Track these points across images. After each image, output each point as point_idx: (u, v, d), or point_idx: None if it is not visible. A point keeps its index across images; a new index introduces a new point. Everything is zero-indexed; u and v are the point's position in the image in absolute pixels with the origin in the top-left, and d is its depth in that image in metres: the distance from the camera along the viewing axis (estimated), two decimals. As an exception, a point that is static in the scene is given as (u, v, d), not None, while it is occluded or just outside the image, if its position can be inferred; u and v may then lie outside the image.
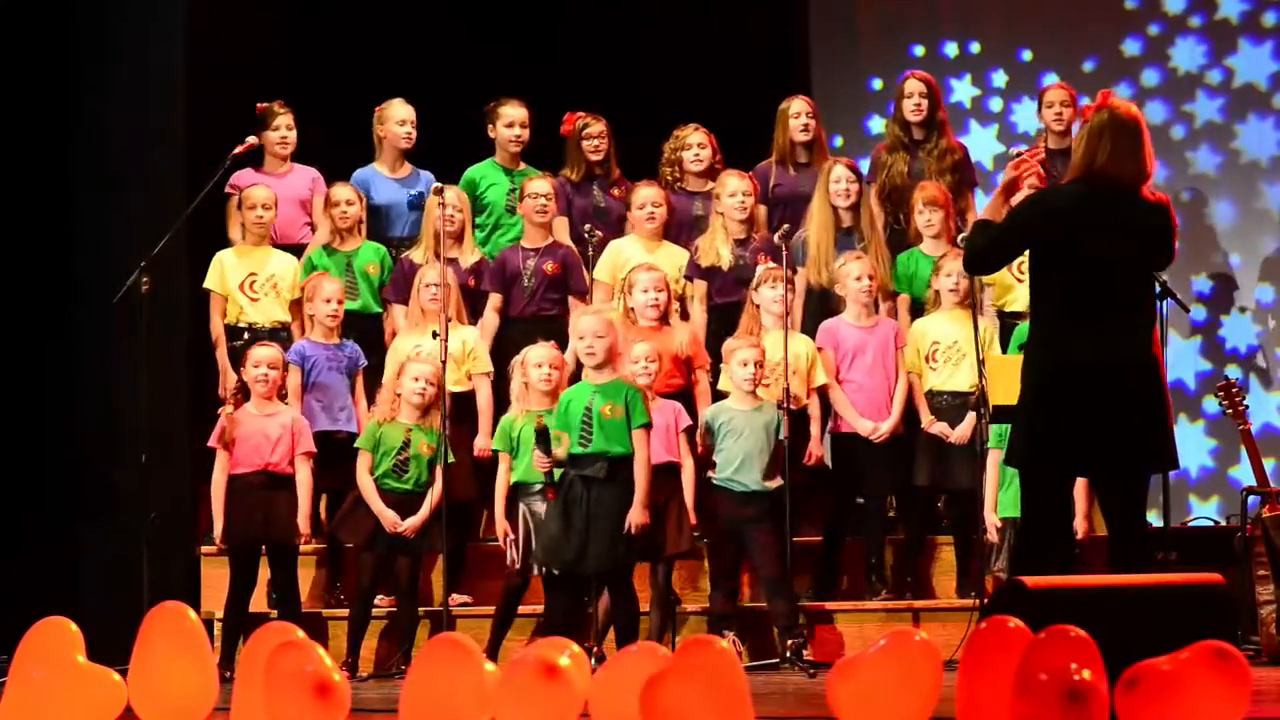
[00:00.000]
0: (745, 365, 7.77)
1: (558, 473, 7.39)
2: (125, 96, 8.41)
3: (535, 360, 7.72)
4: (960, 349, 8.11)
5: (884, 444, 8.13)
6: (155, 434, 7.86)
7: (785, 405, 7.71)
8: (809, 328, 8.33)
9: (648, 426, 7.41)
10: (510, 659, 5.34)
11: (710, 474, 7.81)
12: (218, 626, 7.78)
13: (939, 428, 8.12)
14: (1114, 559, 6.17)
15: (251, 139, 8.66)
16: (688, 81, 10.14)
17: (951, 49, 10.86)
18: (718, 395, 8.10)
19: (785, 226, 8.37)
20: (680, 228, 8.80)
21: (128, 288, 7.86)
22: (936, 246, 8.44)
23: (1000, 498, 7.84)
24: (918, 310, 8.48)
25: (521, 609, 7.77)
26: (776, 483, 7.74)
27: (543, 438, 7.34)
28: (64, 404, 8.31)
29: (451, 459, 7.71)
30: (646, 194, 8.59)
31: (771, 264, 8.21)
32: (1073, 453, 6.06)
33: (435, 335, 7.71)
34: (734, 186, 8.53)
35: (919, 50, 10.85)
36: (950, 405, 8.14)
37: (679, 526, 7.66)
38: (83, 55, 8.42)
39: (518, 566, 7.61)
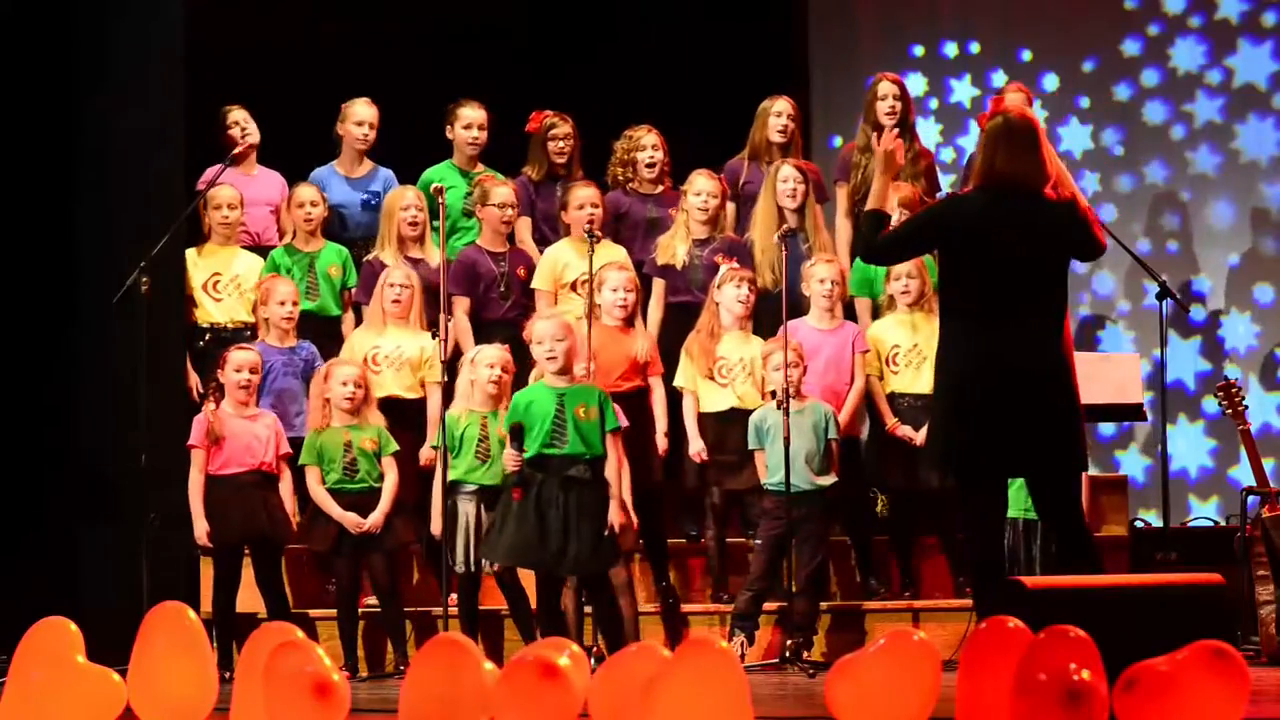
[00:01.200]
0: (779, 370, 7.73)
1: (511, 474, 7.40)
2: (125, 97, 8.40)
3: (487, 360, 7.72)
4: (921, 351, 8.09)
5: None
6: (155, 434, 7.85)
7: (785, 406, 7.71)
8: (755, 333, 8.24)
9: (619, 430, 7.41)
10: (510, 659, 5.34)
11: (763, 480, 7.79)
12: (217, 627, 7.78)
13: (904, 431, 8.10)
14: (1059, 560, 6.22)
15: (251, 139, 8.65)
16: (688, 81, 10.14)
17: (951, 49, 10.86)
18: (673, 395, 8.06)
19: (785, 226, 8.36)
20: (635, 229, 8.75)
21: (128, 288, 7.86)
22: None
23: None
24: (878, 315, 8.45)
25: (483, 606, 7.78)
26: (830, 479, 7.74)
27: (518, 436, 7.34)
28: (64, 404, 8.30)
29: (396, 448, 7.78)
30: (585, 194, 8.48)
31: (735, 264, 8.19)
32: (979, 457, 6.09)
33: (435, 335, 7.71)
34: (701, 186, 8.49)
35: (919, 50, 10.86)
36: (913, 407, 8.12)
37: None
38: (83, 55, 8.41)
39: (461, 570, 7.60)
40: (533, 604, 7.62)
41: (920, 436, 8.00)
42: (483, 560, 7.57)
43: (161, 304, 8.00)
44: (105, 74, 8.41)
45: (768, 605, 7.80)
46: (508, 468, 7.38)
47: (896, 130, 6.41)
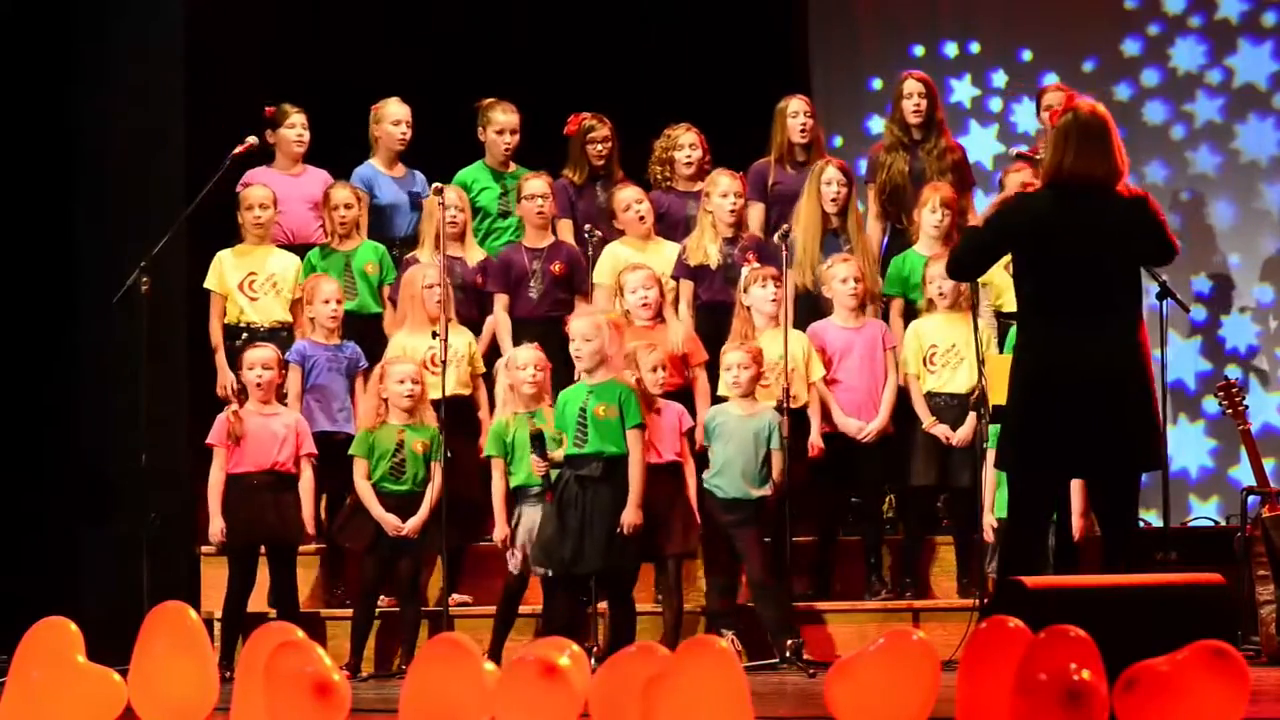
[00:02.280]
0: (730, 369, 7.76)
1: (554, 474, 7.42)
2: (125, 97, 8.41)
3: (520, 363, 7.74)
4: (958, 352, 8.10)
5: (873, 444, 8.12)
6: (155, 434, 7.85)
7: (785, 406, 7.70)
8: (799, 328, 8.27)
9: (641, 427, 7.43)
10: (510, 659, 5.34)
11: (703, 475, 7.80)
12: (218, 626, 7.77)
13: (940, 429, 8.11)
14: (1107, 559, 6.19)
15: (251, 139, 8.65)
16: (688, 81, 10.14)
17: (951, 49, 10.86)
18: (716, 395, 8.10)
19: (785, 226, 8.36)
20: (676, 228, 8.78)
21: (128, 288, 7.86)
22: (933, 246, 8.41)
23: (999, 497, 7.83)
24: (912, 314, 8.46)
25: (522, 609, 7.77)
26: (765, 491, 7.72)
27: (537, 441, 7.40)
28: (64, 404, 8.31)
29: (449, 454, 7.70)
30: (628, 195, 8.56)
31: (757, 264, 8.20)
32: (1055, 456, 6.08)
33: (435, 335, 7.72)
34: (725, 185, 8.49)
35: (919, 50, 10.86)
36: (948, 406, 8.13)
37: (684, 527, 7.67)
38: (83, 55, 8.42)
39: (517, 571, 7.62)
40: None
41: (957, 436, 8.01)
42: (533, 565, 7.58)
43: (161, 304, 8.00)
44: (105, 74, 8.42)
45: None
46: (535, 473, 7.45)
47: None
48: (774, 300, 8.04)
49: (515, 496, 7.66)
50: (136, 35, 8.46)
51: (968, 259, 6.33)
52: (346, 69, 9.72)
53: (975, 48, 10.85)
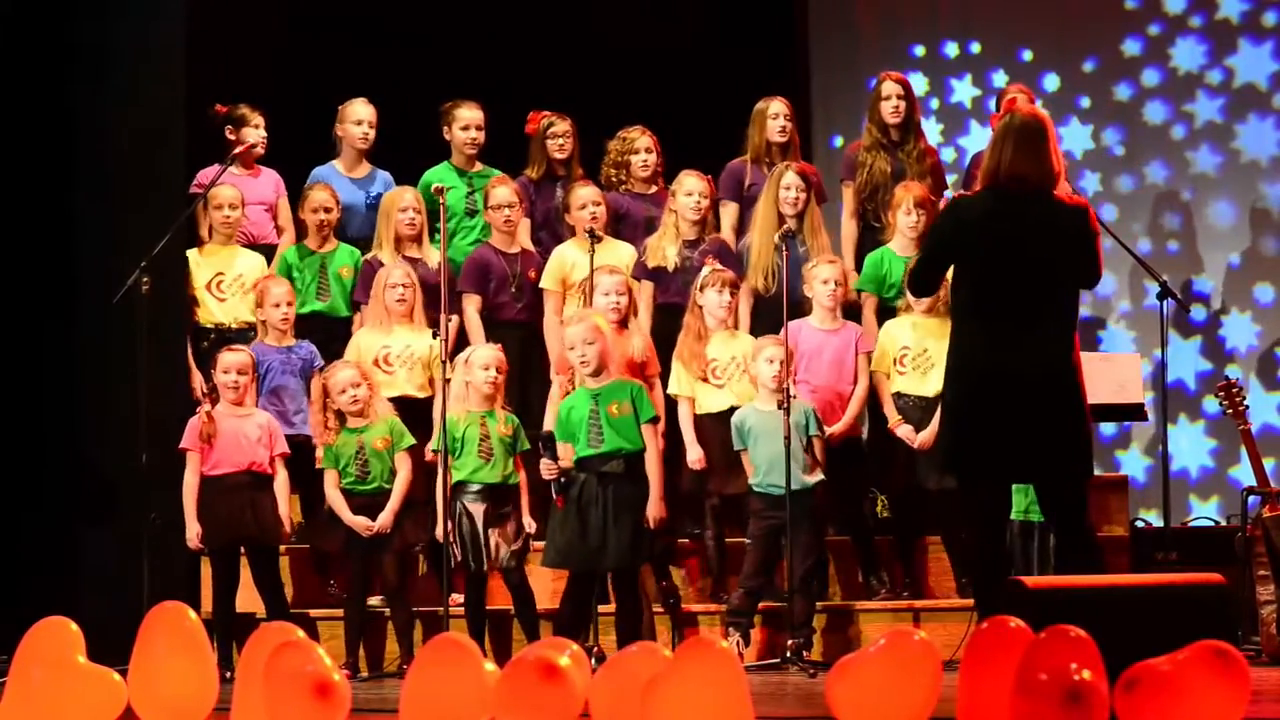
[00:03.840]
0: (771, 363, 7.73)
1: (558, 478, 7.49)
2: (125, 97, 8.41)
3: (481, 362, 7.75)
4: (929, 357, 8.06)
5: (837, 447, 8.08)
6: (155, 434, 7.85)
7: (786, 406, 7.70)
8: (754, 333, 8.21)
9: (656, 420, 7.49)
10: (510, 659, 5.33)
11: (749, 480, 7.77)
12: (217, 626, 7.78)
13: (904, 430, 8.08)
14: (1059, 562, 6.20)
15: (252, 139, 8.65)
16: (687, 81, 10.14)
17: (952, 49, 10.86)
18: (667, 399, 8.05)
19: (786, 226, 8.34)
20: (635, 229, 8.73)
21: (128, 288, 7.86)
22: (909, 247, 8.38)
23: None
24: (888, 313, 8.42)
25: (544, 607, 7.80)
26: (816, 477, 7.72)
27: (549, 444, 7.43)
28: (64, 404, 8.30)
29: (411, 442, 7.78)
30: (586, 193, 8.51)
31: (717, 266, 8.19)
32: (989, 460, 6.08)
33: (435, 335, 7.73)
34: (691, 186, 8.46)
35: (919, 50, 10.86)
36: (915, 408, 8.10)
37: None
38: (83, 55, 8.41)
39: (458, 563, 7.62)
40: (539, 604, 7.67)
41: (920, 438, 8.00)
42: (483, 560, 7.59)
43: (161, 304, 8.00)
44: (105, 74, 8.41)
45: (765, 605, 7.79)
46: (544, 476, 7.52)
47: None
48: (724, 306, 8.03)
49: (455, 492, 7.63)
50: (137, 34, 8.45)
51: (920, 275, 6.40)
52: (347, 69, 9.72)
53: (976, 48, 10.85)
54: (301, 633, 5.18)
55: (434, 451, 7.71)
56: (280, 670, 4.90)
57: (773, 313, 8.01)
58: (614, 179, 8.90)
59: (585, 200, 8.48)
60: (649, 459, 7.47)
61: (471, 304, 8.48)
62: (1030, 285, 6.05)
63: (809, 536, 7.66)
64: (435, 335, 7.75)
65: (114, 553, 8.01)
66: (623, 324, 8.02)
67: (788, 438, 7.54)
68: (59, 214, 8.38)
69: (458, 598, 8.02)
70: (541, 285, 8.49)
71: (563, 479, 7.46)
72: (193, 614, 5.35)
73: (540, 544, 7.71)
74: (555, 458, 7.46)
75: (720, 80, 10.13)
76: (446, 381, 7.68)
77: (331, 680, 4.87)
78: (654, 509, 7.45)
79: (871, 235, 8.79)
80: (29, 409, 8.31)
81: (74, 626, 5.26)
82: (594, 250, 8.01)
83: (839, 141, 10.57)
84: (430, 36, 10.13)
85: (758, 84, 9.30)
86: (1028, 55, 10.72)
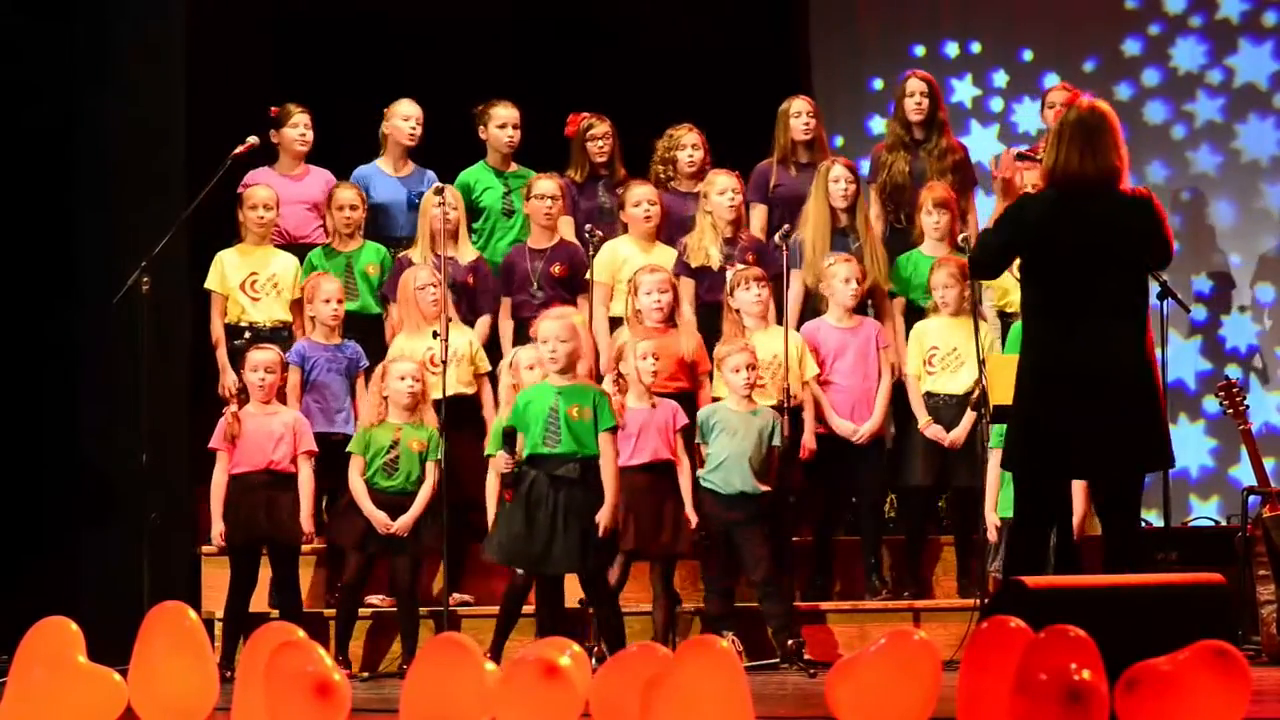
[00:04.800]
0: (738, 371, 7.75)
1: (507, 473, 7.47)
2: (126, 96, 8.41)
3: (527, 362, 7.74)
4: (959, 356, 8.10)
5: (866, 445, 8.10)
6: (155, 434, 7.85)
7: (785, 405, 7.70)
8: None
9: (614, 430, 7.43)
10: (510, 659, 5.33)
11: (699, 473, 7.78)
12: (218, 626, 7.77)
13: (934, 430, 8.10)
14: (1109, 560, 6.18)
15: (252, 139, 8.65)
16: (688, 81, 10.13)
17: (952, 49, 10.86)
18: (713, 397, 8.07)
19: (786, 226, 8.36)
20: (676, 228, 8.77)
21: (128, 288, 7.85)
22: (938, 248, 8.43)
23: (1001, 497, 7.83)
24: (915, 314, 8.45)
25: (526, 609, 7.77)
26: (768, 487, 7.71)
27: (510, 439, 7.41)
28: (64, 404, 8.30)
29: (439, 455, 7.71)
30: (642, 192, 8.56)
31: (741, 266, 8.19)
32: (1060, 457, 6.06)
33: (436, 335, 7.73)
34: (724, 184, 8.49)
35: (919, 50, 10.85)
36: (946, 406, 8.14)
37: (676, 527, 7.66)
38: (83, 55, 8.41)
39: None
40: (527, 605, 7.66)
41: (950, 437, 8.02)
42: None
43: (161, 304, 8.00)
44: (105, 73, 8.41)
45: (747, 605, 7.78)
46: (500, 469, 7.46)
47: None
48: (759, 301, 8.04)
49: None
50: (137, 34, 8.45)
51: (984, 259, 6.36)
52: (346, 70, 9.72)
53: (976, 48, 10.85)
54: (302, 633, 5.18)
55: (486, 455, 7.68)
56: (280, 670, 4.90)
57: (809, 315, 8.07)
58: (662, 175, 8.92)
59: (641, 198, 8.53)
60: (604, 467, 7.36)
61: (503, 308, 8.56)
62: (1096, 281, 6.02)
63: (759, 542, 7.63)
64: (435, 335, 7.74)
65: (114, 553, 8.00)
66: (669, 322, 8.05)
67: (787, 436, 7.55)
68: (59, 213, 8.38)
69: (458, 597, 8.03)
70: (593, 277, 8.42)
71: (516, 471, 7.42)
72: (193, 614, 5.35)
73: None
74: (513, 452, 7.41)
75: (721, 80, 10.13)
76: (441, 374, 7.67)
77: (331, 680, 4.87)
78: (606, 517, 7.34)
79: (895, 236, 8.81)
80: (29, 409, 8.31)
81: (74, 626, 5.27)
82: (595, 251, 7.99)
83: (839, 141, 10.57)
84: (434, 39, 10.13)
85: (759, 84, 9.29)
86: (1028, 55, 10.73)
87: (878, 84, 10.82)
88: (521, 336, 8.32)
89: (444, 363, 7.71)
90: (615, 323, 8.37)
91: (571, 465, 7.33)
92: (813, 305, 8.42)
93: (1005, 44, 10.79)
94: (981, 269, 6.49)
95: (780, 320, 8.23)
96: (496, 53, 10.21)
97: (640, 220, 8.51)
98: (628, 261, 8.44)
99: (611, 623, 7.42)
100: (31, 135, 8.35)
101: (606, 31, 10.43)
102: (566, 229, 8.78)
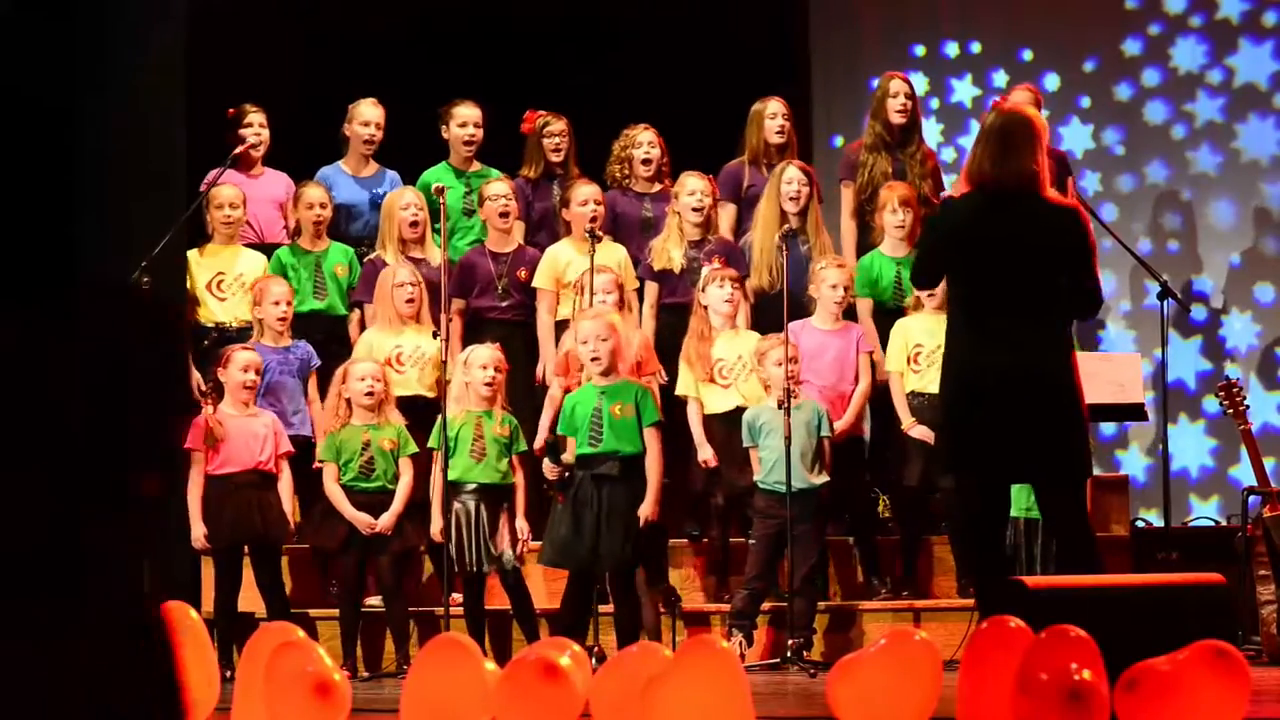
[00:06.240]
0: (780, 365, 7.71)
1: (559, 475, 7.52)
2: (125, 97, 8.40)
3: (480, 361, 7.74)
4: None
5: (843, 444, 8.08)
6: (155, 434, 7.84)
7: (787, 405, 7.70)
8: (757, 330, 8.20)
9: (659, 424, 7.46)
10: (511, 659, 5.34)
11: (756, 477, 7.77)
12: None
13: (919, 431, 8.07)
14: (1059, 564, 6.19)
15: (252, 139, 8.65)
16: (688, 82, 10.14)
17: (952, 49, 10.86)
18: (667, 397, 8.03)
19: (786, 226, 8.34)
20: (630, 229, 8.73)
21: (128, 288, 7.86)
22: (898, 248, 8.39)
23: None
24: (886, 314, 8.41)
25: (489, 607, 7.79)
26: (822, 478, 7.72)
27: (553, 450, 7.49)
28: (64, 404, 8.29)
29: (415, 450, 7.77)
30: (586, 191, 8.48)
31: (717, 264, 8.19)
32: (985, 460, 6.06)
33: (435, 335, 7.74)
34: (693, 186, 8.45)
35: (919, 50, 10.86)
36: (930, 406, 8.09)
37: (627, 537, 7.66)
38: (83, 55, 8.41)
39: (456, 565, 7.63)
40: (538, 604, 7.67)
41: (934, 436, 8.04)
42: (483, 561, 7.59)
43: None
44: (105, 74, 8.40)
45: (765, 605, 7.79)
46: (548, 478, 7.54)
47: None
48: (728, 301, 8.04)
49: (451, 492, 7.63)
50: (136, 35, 8.44)
51: (920, 267, 6.38)
52: (347, 70, 9.72)
53: (976, 47, 10.85)
54: (302, 633, 5.18)
55: (433, 449, 7.72)
56: (280, 670, 4.90)
57: (775, 311, 8.00)
58: (618, 175, 8.87)
59: (585, 198, 8.46)
60: (650, 462, 7.43)
61: (455, 308, 8.42)
62: (1018, 285, 6.00)
63: (812, 536, 7.66)
64: (435, 335, 7.76)
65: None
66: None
67: (788, 437, 7.54)
68: (59, 214, 8.37)
69: (457, 597, 8.03)
70: (535, 284, 8.47)
71: (566, 474, 7.47)
72: (193, 614, 5.35)
73: (536, 545, 7.71)
74: (558, 460, 7.46)
75: (720, 80, 10.12)
76: (447, 382, 7.69)
77: (331, 680, 4.87)
78: (646, 509, 7.40)
79: (869, 236, 8.78)
80: (29, 409, 8.30)
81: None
82: (594, 251, 7.98)
83: (839, 141, 10.57)
84: (431, 37, 10.13)
85: (759, 84, 9.29)
86: (1028, 55, 10.73)
87: (877, 84, 10.80)
88: (483, 337, 8.25)
89: (444, 363, 7.72)
90: (562, 326, 8.30)
91: (611, 463, 7.38)
92: (768, 306, 8.28)
93: (1005, 44, 10.79)
94: (917, 276, 6.50)
95: (751, 325, 8.23)
96: (490, 53, 10.21)
97: (586, 220, 8.35)
98: (570, 264, 8.40)
99: (626, 624, 7.44)
100: (32, 137, 8.34)
101: (607, 31, 10.43)
102: (518, 232, 8.72)
